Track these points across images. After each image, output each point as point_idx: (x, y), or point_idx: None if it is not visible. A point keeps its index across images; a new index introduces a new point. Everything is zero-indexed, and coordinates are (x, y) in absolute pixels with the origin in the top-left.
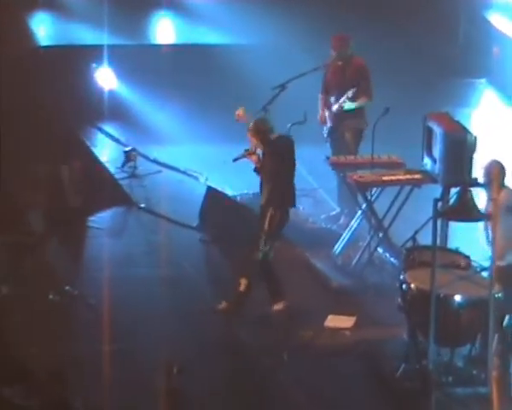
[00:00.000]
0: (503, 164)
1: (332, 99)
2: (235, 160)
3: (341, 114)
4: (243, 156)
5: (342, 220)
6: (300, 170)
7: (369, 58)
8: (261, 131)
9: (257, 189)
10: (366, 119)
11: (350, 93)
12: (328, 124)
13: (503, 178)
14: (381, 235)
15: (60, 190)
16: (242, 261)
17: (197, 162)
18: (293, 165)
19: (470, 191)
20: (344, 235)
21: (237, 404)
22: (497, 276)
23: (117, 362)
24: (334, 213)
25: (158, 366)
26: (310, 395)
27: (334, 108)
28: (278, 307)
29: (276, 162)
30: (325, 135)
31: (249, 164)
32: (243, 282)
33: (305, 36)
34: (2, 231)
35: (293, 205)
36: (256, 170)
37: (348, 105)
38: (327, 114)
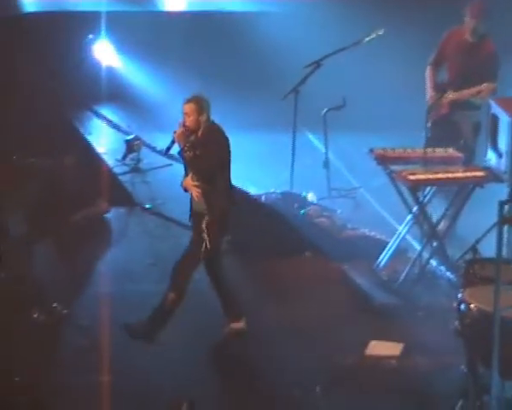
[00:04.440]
0: None
1: (447, 81)
2: (167, 151)
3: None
4: (173, 142)
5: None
6: (338, 165)
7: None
8: (206, 109)
9: (286, 187)
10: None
11: (484, 87)
12: (441, 110)
13: None
14: (434, 244)
15: (47, 189)
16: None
17: None
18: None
19: None
20: (390, 244)
21: None
22: None
23: (113, 397)
24: None
25: (163, 403)
26: None
27: (451, 95)
28: (237, 325)
29: (220, 156)
30: (428, 123)
31: (277, 156)
32: (171, 297)
33: (345, 4)
34: None
35: (235, 204)
36: (182, 155)
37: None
38: (438, 95)
